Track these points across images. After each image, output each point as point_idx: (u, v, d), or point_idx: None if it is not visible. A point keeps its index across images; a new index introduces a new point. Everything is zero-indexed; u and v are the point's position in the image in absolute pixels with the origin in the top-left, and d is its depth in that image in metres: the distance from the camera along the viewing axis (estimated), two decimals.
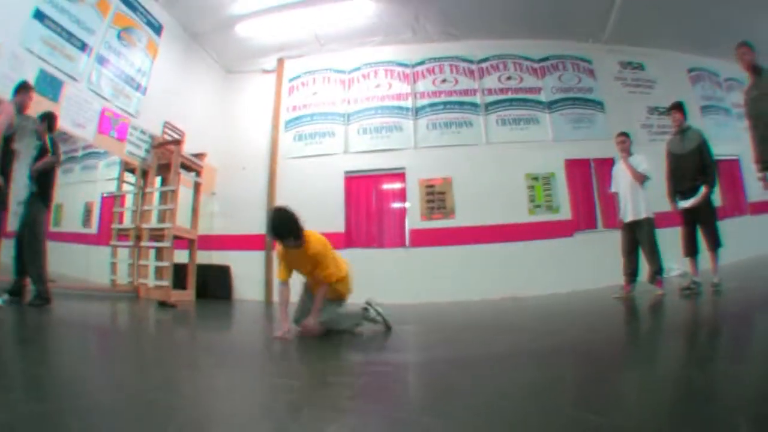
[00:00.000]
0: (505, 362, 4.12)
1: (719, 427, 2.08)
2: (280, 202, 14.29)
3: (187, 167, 12.98)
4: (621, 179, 9.37)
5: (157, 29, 13.21)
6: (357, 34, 15.05)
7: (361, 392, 3.15)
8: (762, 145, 6.99)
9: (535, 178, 13.91)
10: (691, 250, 8.57)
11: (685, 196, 8.50)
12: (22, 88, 7.94)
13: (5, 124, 7.24)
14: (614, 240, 9.66)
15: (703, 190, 8.28)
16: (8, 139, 7.35)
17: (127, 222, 12.54)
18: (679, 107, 8.93)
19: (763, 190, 7.39)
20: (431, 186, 14.12)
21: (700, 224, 8.38)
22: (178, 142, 12.80)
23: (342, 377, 3.85)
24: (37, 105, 8.58)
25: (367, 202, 14.55)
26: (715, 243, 8.25)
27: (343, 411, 2.64)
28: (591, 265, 12.19)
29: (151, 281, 11.88)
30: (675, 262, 10.28)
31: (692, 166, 8.43)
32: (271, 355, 5.25)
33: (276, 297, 6.55)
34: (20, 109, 7.78)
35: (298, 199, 14.05)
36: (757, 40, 12.72)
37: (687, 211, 8.51)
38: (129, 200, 12.82)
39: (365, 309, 6.71)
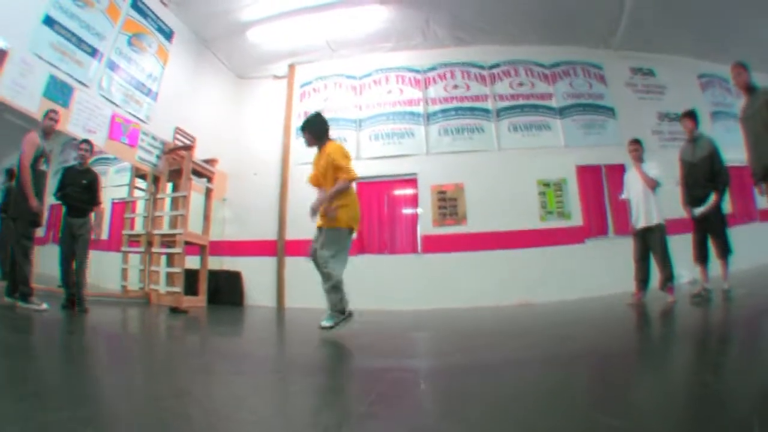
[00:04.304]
0: (520, 368, 4.11)
1: (732, 431, 2.07)
2: (291, 207, 14.45)
3: (198, 173, 12.97)
4: (633, 186, 9.35)
5: (168, 35, 13.24)
6: (368, 40, 15.09)
7: (379, 398, 3.13)
8: (755, 159, 7.13)
9: (547, 185, 13.89)
10: (702, 257, 8.63)
11: (697, 203, 8.51)
12: (48, 115, 8.45)
13: (30, 154, 7.82)
14: (625, 246, 9.66)
15: (713, 197, 8.31)
16: (35, 162, 7.91)
17: (138, 228, 12.54)
18: (690, 115, 8.95)
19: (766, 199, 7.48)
20: (443, 192, 14.11)
21: (710, 232, 8.43)
22: (189, 148, 12.81)
23: (358, 383, 3.84)
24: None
25: (379, 208, 14.53)
26: (724, 250, 8.31)
27: (361, 417, 2.63)
28: (602, 272, 12.15)
29: (162, 287, 11.89)
30: (685, 269, 10.25)
31: (703, 174, 8.51)
32: (287, 361, 5.25)
33: None
34: (47, 132, 8.33)
35: (311, 204, 14.17)
36: (766, 47, 12.81)
37: (698, 219, 8.56)
38: (140, 206, 12.79)
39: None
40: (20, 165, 7.76)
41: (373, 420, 2.59)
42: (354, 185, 6.80)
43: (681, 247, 9.00)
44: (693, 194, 8.64)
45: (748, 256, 10.90)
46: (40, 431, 2.19)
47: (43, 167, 8.06)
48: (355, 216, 6.70)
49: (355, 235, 6.82)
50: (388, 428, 2.51)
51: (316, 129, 6.93)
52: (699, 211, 8.50)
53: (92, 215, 9.09)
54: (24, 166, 7.74)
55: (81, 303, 8.45)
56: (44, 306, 7.65)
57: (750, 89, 7.30)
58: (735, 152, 13.32)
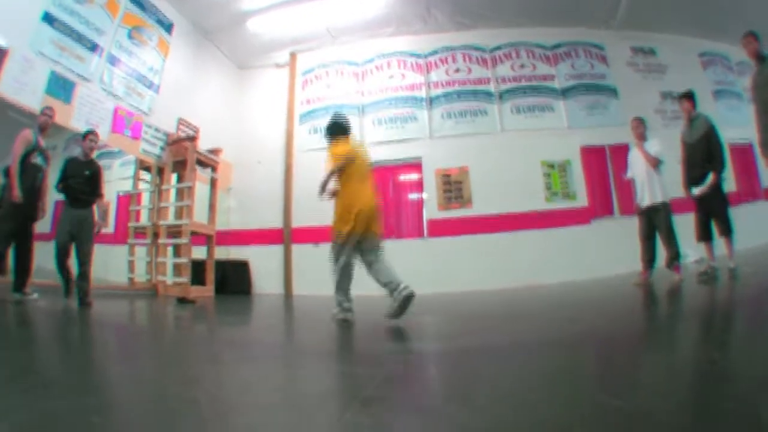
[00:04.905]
0: (527, 350, 4.10)
1: (740, 408, 2.07)
2: (296, 195, 14.49)
3: (202, 163, 12.99)
4: (636, 165, 9.33)
5: (168, 27, 13.24)
6: (368, 26, 15.06)
7: (386, 381, 3.15)
8: (764, 129, 7.13)
9: (551, 166, 13.89)
10: (704, 236, 8.59)
11: (697, 183, 8.53)
12: (44, 111, 8.62)
13: (20, 149, 7.99)
14: (631, 226, 9.62)
15: (711, 177, 8.33)
16: (26, 156, 8.06)
17: (143, 220, 12.58)
18: (687, 96, 8.96)
19: None
20: (448, 176, 14.12)
21: (711, 211, 8.41)
22: (192, 139, 12.81)
23: (365, 367, 3.84)
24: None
25: (384, 193, 14.29)
26: (726, 229, 8.29)
27: (368, 400, 2.64)
28: (608, 252, 12.17)
29: (169, 278, 11.92)
30: (691, 248, 10.25)
31: (700, 154, 8.50)
32: (295, 347, 5.27)
33: None
34: (42, 128, 8.44)
35: (315, 191, 14.05)
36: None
37: (699, 198, 8.54)
38: (145, 198, 12.87)
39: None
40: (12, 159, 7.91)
41: (380, 402, 2.61)
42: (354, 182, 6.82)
43: (687, 225, 8.99)
44: (692, 174, 8.64)
45: (753, 234, 10.92)
46: (50, 419, 2.22)
47: (35, 161, 8.14)
48: (342, 218, 6.70)
49: (346, 230, 6.60)
50: (395, 410, 2.52)
51: (327, 133, 7.45)
52: (697, 191, 8.52)
53: (95, 207, 9.09)
54: (13, 160, 7.88)
55: (85, 296, 8.44)
56: None
57: (760, 58, 7.32)
58: (738, 131, 13.46)
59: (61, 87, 9.93)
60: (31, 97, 9.20)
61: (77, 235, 8.55)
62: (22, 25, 9.23)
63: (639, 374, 3.06)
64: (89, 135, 9.06)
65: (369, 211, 6.72)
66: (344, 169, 6.72)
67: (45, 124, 8.41)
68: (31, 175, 8.01)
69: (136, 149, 12.03)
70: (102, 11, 11.05)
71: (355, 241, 6.64)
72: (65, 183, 8.69)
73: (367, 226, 6.66)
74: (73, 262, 8.61)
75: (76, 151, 9.19)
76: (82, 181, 8.75)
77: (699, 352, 3.62)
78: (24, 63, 9.14)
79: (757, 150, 7.89)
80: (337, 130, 7.31)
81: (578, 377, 3.09)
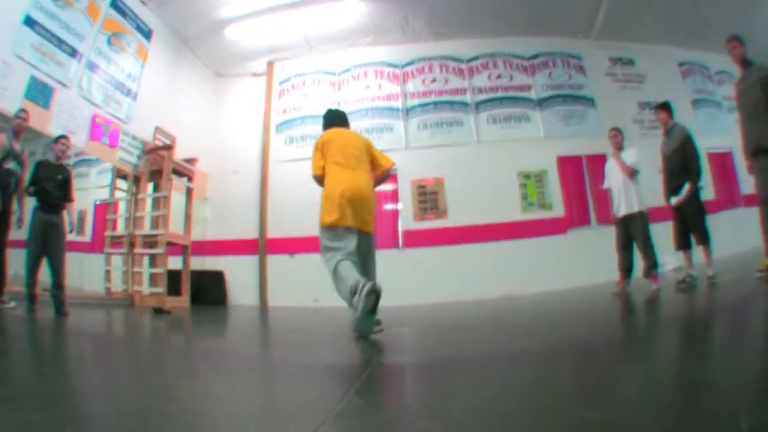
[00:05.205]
0: (502, 361, 4.08)
1: (719, 419, 2.07)
2: (271, 205, 14.50)
3: (178, 172, 12.93)
4: (613, 175, 9.40)
5: (147, 34, 13.19)
6: (346, 36, 15.04)
7: (357, 393, 3.13)
8: (749, 133, 7.23)
9: (528, 176, 13.92)
10: (682, 245, 8.71)
11: (675, 192, 8.61)
12: (18, 114, 8.52)
13: None
14: (608, 236, 9.68)
15: (686, 186, 8.39)
16: (0, 162, 7.96)
17: (120, 229, 12.49)
18: (664, 107, 9.07)
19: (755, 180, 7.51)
20: (423, 186, 14.15)
21: (687, 220, 8.50)
22: (169, 148, 12.78)
23: (337, 379, 3.83)
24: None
25: None
26: (702, 238, 8.37)
27: (338, 412, 2.63)
28: (585, 262, 12.20)
29: (145, 288, 11.87)
30: (669, 256, 10.29)
31: (677, 164, 8.61)
32: (268, 359, 5.25)
33: None
34: (16, 132, 8.36)
35: (291, 202, 14.19)
36: (747, 34, 12.82)
37: (676, 208, 8.64)
38: (122, 207, 12.80)
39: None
40: None
41: (353, 416, 2.59)
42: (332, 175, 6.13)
43: (665, 234, 9.04)
44: (671, 184, 8.74)
45: (732, 242, 10.98)
46: (24, 430, 2.20)
47: (9, 166, 8.08)
48: (324, 208, 6.06)
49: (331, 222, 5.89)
50: (365, 425, 2.51)
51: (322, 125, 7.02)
52: (674, 200, 8.59)
53: (65, 212, 9.01)
54: None
55: (62, 306, 8.37)
56: None
57: (745, 63, 7.41)
58: (717, 139, 13.55)
59: (40, 92, 9.87)
60: (11, 103, 9.07)
61: (49, 241, 8.47)
62: (3, 28, 9.18)
63: (617, 385, 3.06)
64: (61, 139, 9.01)
65: (357, 199, 5.95)
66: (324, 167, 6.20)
67: (19, 127, 8.35)
68: (4, 180, 7.95)
69: (113, 157, 11.99)
70: (82, 16, 11.02)
71: (349, 235, 5.92)
72: (38, 186, 8.61)
73: (360, 220, 5.99)
74: (42, 274, 8.57)
75: (48, 155, 9.14)
76: (54, 185, 8.68)
77: (678, 361, 3.62)
78: (4, 66, 9.09)
79: (741, 156, 8.03)
80: (327, 121, 6.93)
81: (556, 389, 3.08)
